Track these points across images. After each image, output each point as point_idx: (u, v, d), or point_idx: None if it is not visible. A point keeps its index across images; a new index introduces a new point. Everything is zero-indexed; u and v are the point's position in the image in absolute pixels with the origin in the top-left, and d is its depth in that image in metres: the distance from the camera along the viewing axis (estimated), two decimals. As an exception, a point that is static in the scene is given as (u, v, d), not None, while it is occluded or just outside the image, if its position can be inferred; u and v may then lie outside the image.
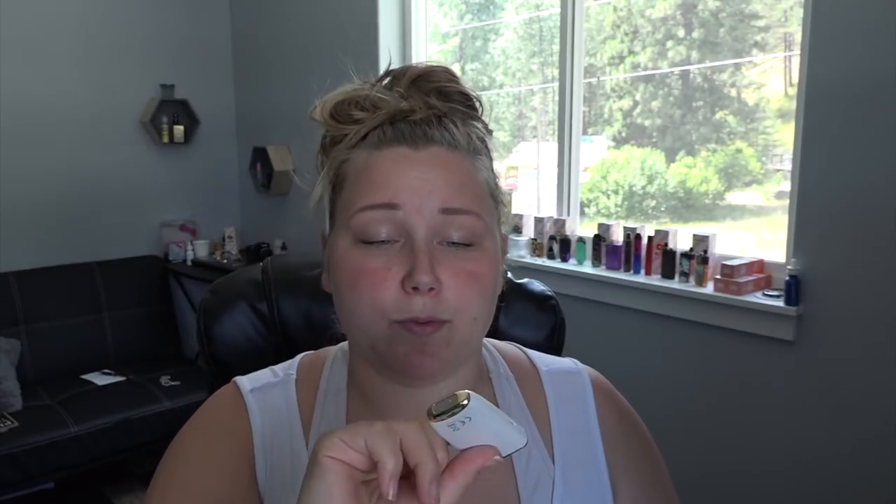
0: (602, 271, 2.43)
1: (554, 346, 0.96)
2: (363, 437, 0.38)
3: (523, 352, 0.75)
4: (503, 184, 0.67)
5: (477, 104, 0.65)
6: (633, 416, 0.74)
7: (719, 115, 2.41)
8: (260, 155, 3.72)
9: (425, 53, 3.19)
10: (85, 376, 3.23)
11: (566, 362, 0.75)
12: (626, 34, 2.62)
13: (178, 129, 3.72)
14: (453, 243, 0.58)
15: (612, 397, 0.73)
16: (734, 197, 2.41)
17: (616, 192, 2.72)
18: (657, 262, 2.31)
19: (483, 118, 0.66)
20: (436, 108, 0.61)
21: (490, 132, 0.66)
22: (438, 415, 0.38)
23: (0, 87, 3.25)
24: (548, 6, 2.80)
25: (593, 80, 2.72)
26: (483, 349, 0.72)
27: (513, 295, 0.97)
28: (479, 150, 0.62)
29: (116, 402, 2.97)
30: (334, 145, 0.63)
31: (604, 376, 0.75)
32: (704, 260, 2.18)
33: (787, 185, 2.15)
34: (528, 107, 3.07)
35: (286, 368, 0.70)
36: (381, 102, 0.60)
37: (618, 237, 2.46)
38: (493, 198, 0.63)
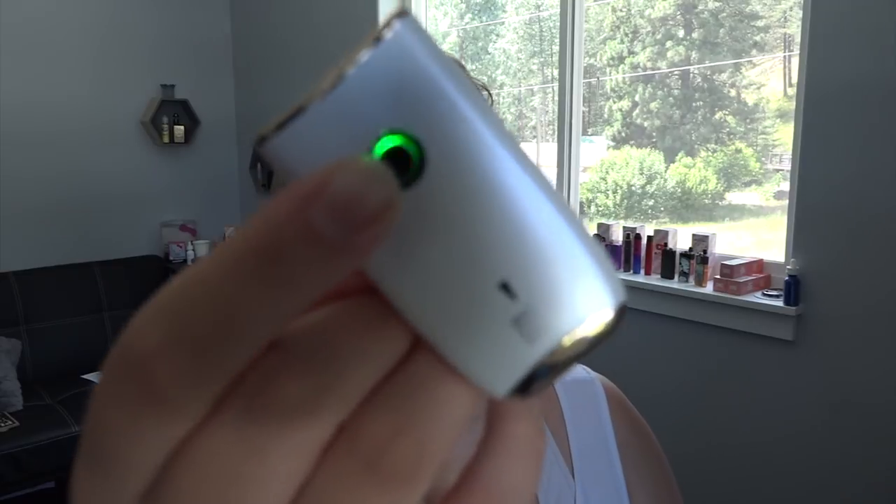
0: (602, 271, 2.43)
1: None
2: None
3: None
4: None
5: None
6: (644, 426, 0.73)
7: (719, 115, 2.41)
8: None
9: (425, 53, 3.19)
10: (86, 376, 3.23)
11: (578, 370, 0.73)
12: (626, 34, 2.62)
13: (179, 130, 3.72)
14: None
15: (625, 406, 0.72)
16: (734, 197, 2.41)
17: (615, 192, 2.72)
18: (657, 262, 2.32)
19: None
20: None
21: None
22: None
23: (1, 88, 3.26)
24: (548, 6, 2.80)
25: (593, 81, 2.72)
26: None
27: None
28: None
29: (117, 402, 2.97)
30: None
31: (613, 384, 0.74)
32: (704, 260, 2.18)
33: (786, 186, 2.15)
34: (528, 107, 3.08)
35: None
36: None
37: (617, 237, 2.46)
38: None
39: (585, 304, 0.15)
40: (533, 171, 0.15)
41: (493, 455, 0.16)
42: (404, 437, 0.15)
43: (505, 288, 0.14)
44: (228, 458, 0.14)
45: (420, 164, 0.14)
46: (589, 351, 0.15)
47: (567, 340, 0.15)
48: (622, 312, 0.15)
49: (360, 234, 0.13)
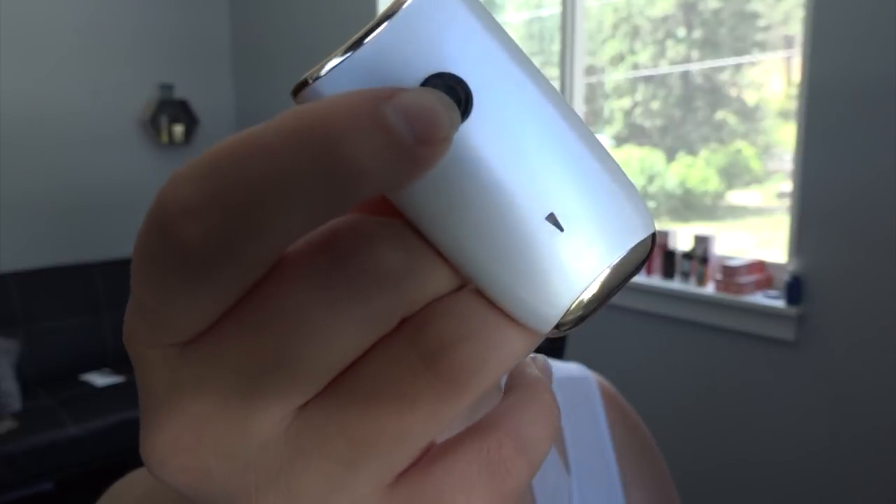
0: (602, 271, 2.42)
1: (555, 346, 0.96)
2: None
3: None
4: None
5: None
6: (640, 424, 0.73)
7: (719, 114, 2.41)
8: (259, 155, 3.72)
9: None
10: (84, 376, 3.23)
11: (572, 368, 0.74)
12: (626, 34, 2.61)
13: (178, 129, 3.71)
14: None
15: (620, 404, 0.73)
16: (734, 197, 2.41)
17: (616, 192, 2.72)
18: (658, 263, 2.31)
19: None
20: None
21: None
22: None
23: (0, 88, 3.25)
24: (548, 6, 2.79)
25: (593, 80, 2.71)
26: None
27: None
28: None
29: (116, 403, 2.97)
30: None
31: (607, 381, 0.75)
32: (705, 260, 2.17)
33: (787, 185, 2.14)
34: (528, 107, 3.07)
35: None
36: None
37: (618, 237, 2.45)
38: None
39: (626, 233, 0.16)
40: (564, 107, 0.16)
41: (523, 409, 0.16)
42: (470, 344, 0.15)
43: (552, 220, 0.15)
44: (290, 316, 0.14)
45: (467, 105, 0.15)
46: (626, 281, 0.16)
47: (609, 270, 0.15)
48: (654, 241, 0.16)
49: (425, 146, 0.13)
